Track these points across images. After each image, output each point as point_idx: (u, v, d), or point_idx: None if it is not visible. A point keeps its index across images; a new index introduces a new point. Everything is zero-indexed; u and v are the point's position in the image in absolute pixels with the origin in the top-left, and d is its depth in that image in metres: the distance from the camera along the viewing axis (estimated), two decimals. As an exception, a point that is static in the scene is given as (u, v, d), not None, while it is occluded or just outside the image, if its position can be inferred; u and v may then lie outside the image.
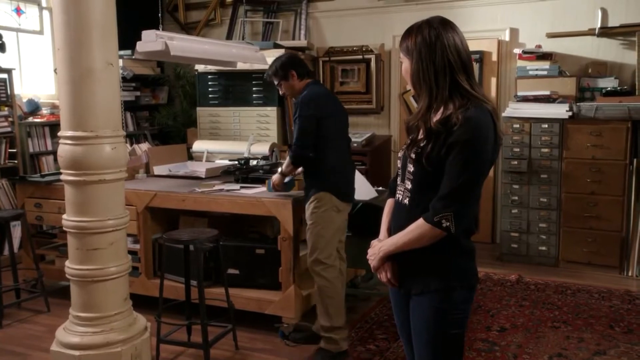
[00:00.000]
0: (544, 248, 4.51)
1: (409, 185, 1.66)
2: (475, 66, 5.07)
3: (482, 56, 5.06)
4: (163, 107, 6.13)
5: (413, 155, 1.64)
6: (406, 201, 1.68)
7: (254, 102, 5.45)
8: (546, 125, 4.40)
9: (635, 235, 4.21)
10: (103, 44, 2.53)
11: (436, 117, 1.62)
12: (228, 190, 3.37)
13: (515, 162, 4.52)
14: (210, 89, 5.62)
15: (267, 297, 3.27)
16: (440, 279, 1.63)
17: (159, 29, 3.33)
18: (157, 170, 4.10)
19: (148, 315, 2.94)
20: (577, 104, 4.32)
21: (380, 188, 3.71)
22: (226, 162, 4.24)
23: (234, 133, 5.56)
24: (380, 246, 1.70)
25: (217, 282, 3.45)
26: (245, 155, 4.55)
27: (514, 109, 4.51)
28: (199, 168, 4.17)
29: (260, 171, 3.72)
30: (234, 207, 3.26)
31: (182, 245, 3.01)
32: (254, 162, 4.06)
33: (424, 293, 1.64)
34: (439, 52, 1.62)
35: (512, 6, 4.95)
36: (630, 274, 4.22)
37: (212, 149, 4.93)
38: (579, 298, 3.77)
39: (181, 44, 3.37)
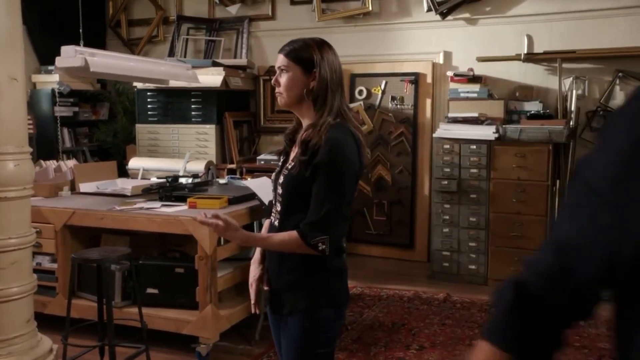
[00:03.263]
0: (473, 267, 4.59)
1: (278, 207, 1.69)
2: (411, 87, 5.19)
3: (417, 78, 5.18)
4: (103, 124, 6.04)
5: (282, 178, 1.67)
6: (277, 222, 1.70)
7: (193, 119, 5.43)
8: (474, 147, 4.52)
9: (557, 254, 4.33)
10: (5, 58, 2.48)
11: (303, 135, 1.65)
12: (148, 209, 3.33)
13: (446, 182, 4.62)
14: (149, 106, 5.58)
15: (185, 317, 3.22)
16: (308, 298, 1.65)
17: (79, 45, 3.29)
18: (84, 187, 4.02)
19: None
20: (504, 126, 4.45)
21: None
22: (155, 179, 4.19)
23: (172, 150, 5.51)
24: (240, 234, 1.67)
25: (136, 302, 3.38)
26: (181, 173, 4.52)
27: (444, 130, 4.62)
28: (128, 185, 4.11)
29: (186, 189, 3.69)
30: (151, 225, 3.22)
31: (93, 264, 2.95)
32: (183, 181, 4.03)
33: (292, 313, 1.66)
34: (337, 70, 1.68)
35: (446, 30, 5.10)
36: (553, 292, 4.32)
37: (148, 167, 4.87)
38: (500, 316, 3.84)
39: (102, 60, 3.34)
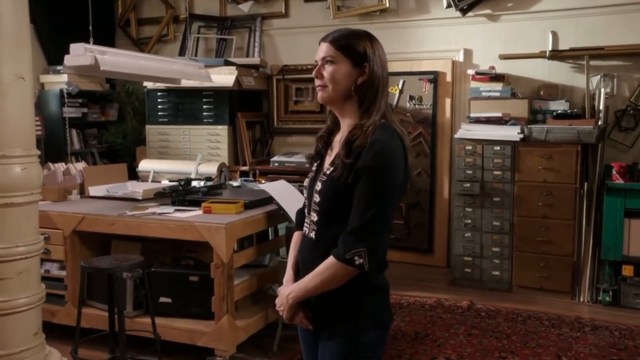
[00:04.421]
0: (497, 273, 4.41)
1: (314, 217, 1.51)
2: (429, 86, 5.01)
3: (436, 76, 5.00)
4: (112, 125, 5.90)
5: (319, 185, 1.50)
6: (312, 235, 1.52)
7: (205, 120, 5.28)
8: (498, 148, 4.33)
9: (586, 260, 4.14)
10: (12, 56, 2.35)
11: (345, 136, 1.48)
12: (160, 214, 3.17)
13: (468, 185, 4.44)
14: (159, 107, 5.43)
15: (200, 327, 3.06)
16: (350, 320, 1.48)
17: (89, 43, 3.14)
18: (93, 191, 3.88)
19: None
20: (529, 126, 4.27)
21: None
22: (166, 182, 4.04)
23: (184, 152, 5.36)
24: (288, 293, 1.53)
25: (148, 311, 3.23)
26: (193, 175, 4.37)
27: (466, 131, 4.44)
28: (139, 189, 3.96)
29: (200, 193, 3.53)
30: (165, 231, 3.06)
31: (103, 273, 2.80)
32: (195, 183, 3.88)
33: (333, 336, 1.49)
34: (386, 67, 1.52)
35: (466, 27, 4.92)
36: (581, 299, 4.14)
37: (159, 169, 4.72)
38: (529, 325, 3.66)
39: (113, 59, 3.19)
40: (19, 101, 2.40)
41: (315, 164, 1.60)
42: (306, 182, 1.60)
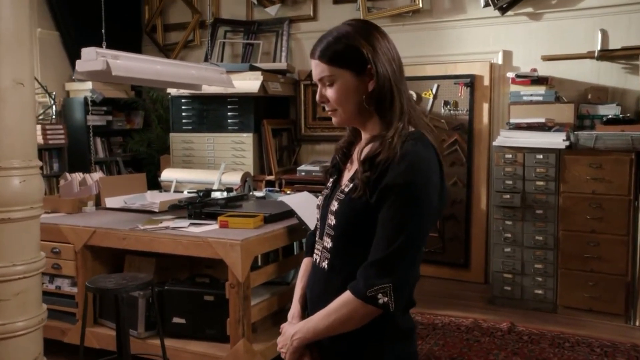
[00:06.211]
0: (540, 292, 4.05)
1: (328, 243, 1.26)
2: (466, 91, 4.71)
3: (473, 80, 4.69)
4: (137, 133, 5.78)
5: (335, 204, 1.25)
6: (324, 264, 1.27)
7: (229, 127, 5.09)
8: (541, 156, 3.99)
9: (641, 280, 3.76)
10: (10, 60, 2.18)
11: (366, 150, 1.23)
12: (174, 228, 2.97)
13: (508, 196, 4.10)
14: (183, 114, 5.28)
15: (214, 351, 2.84)
16: None
17: (102, 47, 2.98)
18: (110, 202, 3.72)
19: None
20: (575, 132, 3.92)
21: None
22: (185, 193, 3.86)
23: (208, 161, 5.19)
24: (293, 333, 1.28)
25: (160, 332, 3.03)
26: (216, 185, 4.19)
27: (505, 138, 4.12)
28: (157, 200, 3.78)
29: (217, 206, 3.32)
30: (177, 247, 2.86)
31: (108, 294, 2.61)
32: (216, 194, 3.68)
33: None
34: (396, 58, 1.26)
35: (506, 27, 4.60)
36: (637, 323, 3.75)
37: (182, 178, 4.56)
38: (578, 353, 3.31)
39: (126, 64, 3.02)
40: (18, 108, 2.23)
41: (331, 180, 1.35)
42: (319, 200, 1.34)
